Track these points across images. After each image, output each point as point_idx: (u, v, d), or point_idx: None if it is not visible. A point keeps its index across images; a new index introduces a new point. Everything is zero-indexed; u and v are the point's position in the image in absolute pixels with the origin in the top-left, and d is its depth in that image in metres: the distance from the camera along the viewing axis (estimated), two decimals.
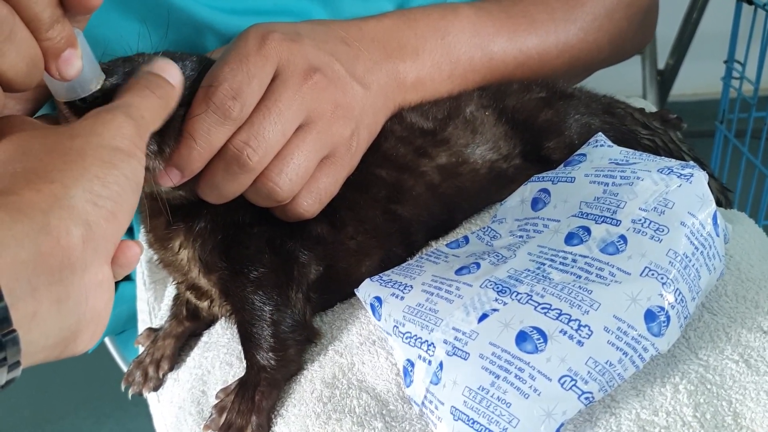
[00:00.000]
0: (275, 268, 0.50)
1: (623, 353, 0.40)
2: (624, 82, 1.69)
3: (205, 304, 0.56)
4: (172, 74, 0.42)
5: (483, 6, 0.64)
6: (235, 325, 0.52)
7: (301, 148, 0.49)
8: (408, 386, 0.45)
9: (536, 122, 0.58)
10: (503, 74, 0.63)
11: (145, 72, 0.41)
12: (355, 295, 0.51)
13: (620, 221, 0.44)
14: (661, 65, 1.91)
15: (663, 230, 0.43)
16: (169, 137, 0.45)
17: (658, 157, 0.49)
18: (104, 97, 0.41)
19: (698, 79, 1.86)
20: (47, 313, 0.30)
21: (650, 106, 0.75)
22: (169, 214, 0.50)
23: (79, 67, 0.37)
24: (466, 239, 0.53)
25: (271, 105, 0.47)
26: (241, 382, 0.50)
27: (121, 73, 0.43)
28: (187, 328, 0.60)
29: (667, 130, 0.64)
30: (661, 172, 0.46)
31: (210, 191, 0.48)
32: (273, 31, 0.49)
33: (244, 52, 0.47)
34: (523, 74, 0.64)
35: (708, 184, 0.64)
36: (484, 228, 0.53)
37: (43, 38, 0.34)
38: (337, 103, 0.50)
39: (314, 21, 0.55)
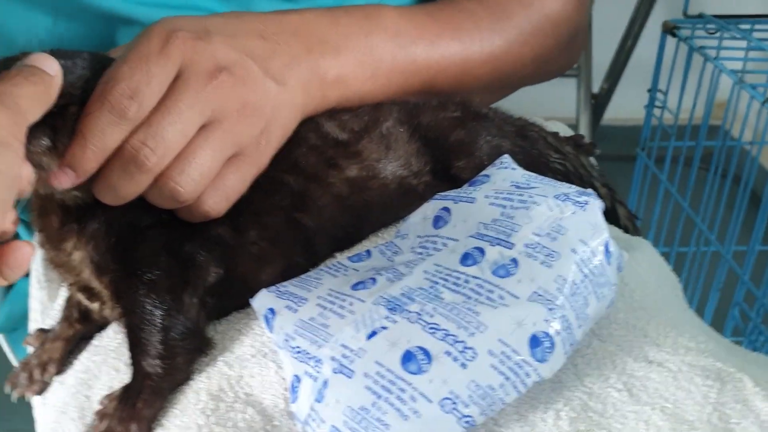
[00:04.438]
0: (170, 271, 0.49)
1: (505, 378, 0.40)
2: (558, 104, 1.73)
3: (95, 306, 0.54)
4: (48, 65, 0.41)
5: (408, 9, 0.63)
6: (125, 330, 0.50)
7: (204, 148, 0.47)
8: (293, 402, 0.44)
9: (448, 141, 0.58)
10: (425, 78, 0.63)
11: (19, 65, 0.40)
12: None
13: (514, 244, 0.44)
14: (595, 89, 1.96)
15: (553, 256, 0.43)
16: (62, 134, 0.43)
17: (558, 183, 0.49)
18: None
19: (631, 104, 1.91)
20: None
21: (566, 130, 0.76)
22: (61, 215, 0.48)
23: None
24: (369, 253, 0.53)
25: (170, 104, 0.46)
26: (125, 389, 0.48)
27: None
28: (77, 331, 0.58)
29: (578, 155, 0.65)
30: (557, 198, 0.46)
31: (107, 192, 0.46)
32: (178, 29, 0.47)
33: (146, 50, 0.46)
34: (446, 80, 0.64)
35: (617, 210, 0.66)
36: (387, 243, 0.53)
37: None
38: (245, 102, 0.49)
39: (229, 14, 0.54)
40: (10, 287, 0.76)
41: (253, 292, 0.50)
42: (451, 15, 0.65)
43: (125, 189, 0.46)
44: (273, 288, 0.49)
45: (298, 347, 0.44)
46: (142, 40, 0.47)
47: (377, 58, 0.59)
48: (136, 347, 0.48)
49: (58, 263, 0.52)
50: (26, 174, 0.38)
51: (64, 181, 0.44)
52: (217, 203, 0.49)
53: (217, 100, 0.47)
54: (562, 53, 0.74)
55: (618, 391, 0.43)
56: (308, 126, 0.56)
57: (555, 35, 0.71)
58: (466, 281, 0.44)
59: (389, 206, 0.57)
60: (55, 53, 0.43)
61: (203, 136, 0.47)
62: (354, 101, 0.59)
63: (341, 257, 0.54)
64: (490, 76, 0.67)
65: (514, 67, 0.68)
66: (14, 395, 0.58)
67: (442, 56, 0.63)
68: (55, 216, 0.50)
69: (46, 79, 0.40)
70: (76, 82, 0.44)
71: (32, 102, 0.38)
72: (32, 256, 0.35)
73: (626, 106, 2.04)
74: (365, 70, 0.59)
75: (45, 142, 0.43)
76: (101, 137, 0.44)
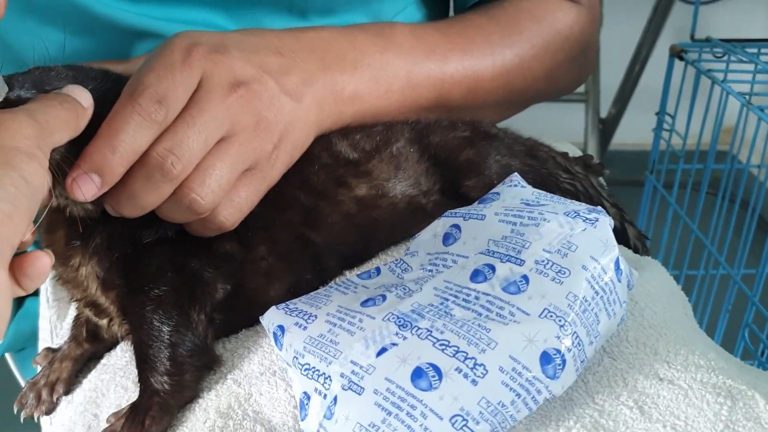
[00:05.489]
0: (177, 287, 0.49)
1: (516, 394, 0.40)
2: (566, 129, 1.74)
3: (104, 322, 0.54)
4: (84, 97, 0.41)
5: (419, 26, 0.64)
6: (132, 346, 0.50)
7: (224, 160, 0.47)
8: (303, 420, 0.44)
9: (457, 161, 0.58)
10: (439, 93, 0.63)
11: (57, 92, 0.41)
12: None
13: (524, 261, 0.44)
14: (603, 114, 1.96)
15: (564, 273, 0.43)
16: (80, 144, 0.43)
17: (568, 200, 0.49)
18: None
19: (638, 129, 1.92)
20: None
21: (575, 150, 0.76)
22: (67, 231, 0.48)
23: None
24: (378, 270, 0.53)
25: (195, 114, 0.46)
26: (133, 406, 0.48)
27: (28, 87, 0.42)
28: (86, 351, 0.58)
29: (588, 176, 0.65)
30: (567, 215, 0.46)
31: (127, 201, 0.46)
32: (198, 43, 0.48)
33: (170, 61, 0.46)
34: (459, 94, 0.65)
35: (627, 230, 0.66)
36: (396, 260, 0.53)
37: None
38: (260, 117, 0.49)
39: (247, 30, 0.55)
40: (19, 306, 0.76)
41: (261, 309, 0.50)
42: (462, 30, 0.65)
43: (147, 198, 0.45)
44: (282, 305, 0.49)
45: (307, 364, 0.44)
46: (165, 51, 0.47)
47: (392, 74, 0.60)
48: (144, 364, 0.48)
49: (66, 279, 0.52)
50: (49, 181, 0.39)
51: (89, 188, 0.43)
52: (232, 215, 0.49)
53: (237, 114, 0.48)
54: (573, 68, 0.75)
55: (629, 408, 0.43)
56: (321, 144, 0.57)
57: (566, 50, 0.71)
58: (477, 298, 0.44)
59: (398, 225, 0.57)
60: (70, 68, 0.43)
61: (222, 148, 0.47)
62: (369, 117, 0.60)
63: (350, 274, 0.54)
64: (503, 90, 0.67)
65: (526, 81, 0.69)
66: (22, 415, 0.58)
67: (455, 71, 0.64)
68: (61, 232, 0.50)
69: (79, 110, 0.40)
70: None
71: (61, 126, 0.38)
72: (50, 266, 0.36)
73: (634, 131, 2.05)
74: (380, 86, 0.59)
75: (63, 150, 0.43)
76: (130, 140, 0.43)
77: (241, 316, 0.53)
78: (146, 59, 0.47)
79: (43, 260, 0.35)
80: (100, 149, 0.43)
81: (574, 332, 0.41)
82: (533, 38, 0.68)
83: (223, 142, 0.48)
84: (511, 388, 0.40)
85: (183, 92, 0.46)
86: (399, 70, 0.60)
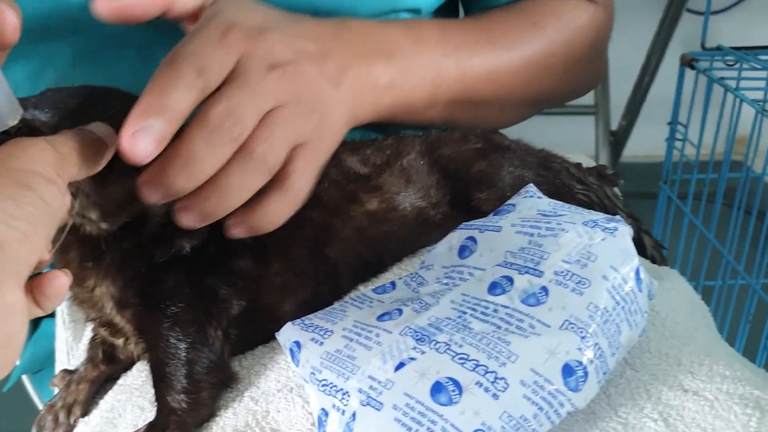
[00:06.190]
0: (194, 304, 0.49)
1: (539, 408, 0.39)
2: (577, 142, 1.73)
3: (120, 342, 0.54)
4: (108, 137, 0.41)
5: (445, 22, 0.65)
6: (149, 365, 0.50)
7: (279, 125, 0.46)
8: None
9: (469, 172, 0.58)
10: (465, 87, 0.64)
11: (82, 127, 0.40)
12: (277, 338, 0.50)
13: (543, 272, 0.44)
14: (614, 126, 1.96)
15: (584, 283, 0.42)
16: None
17: (585, 210, 0.49)
18: (28, 130, 0.40)
19: (649, 141, 1.91)
20: None
21: (588, 161, 0.76)
22: (81, 251, 0.48)
23: None
24: (393, 285, 0.52)
25: (241, 85, 0.45)
26: (150, 426, 0.47)
27: (42, 107, 0.42)
28: (102, 372, 0.57)
29: (602, 186, 0.65)
30: (585, 225, 0.45)
31: (183, 169, 0.42)
32: (236, 23, 0.47)
33: (207, 38, 0.45)
34: (485, 88, 0.65)
35: (643, 240, 0.65)
36: (411, 274, 0.52)
37: None
38: (300, 96, 0.48)
39: (287, 15, 0.53)
40: (35, 328, 0.76)
41: (276, 324, 0.49)
42: (486, 26, 0.66)
43: (207, 161, 0.42)
44: (298, 321, 0.49)
45: (324, 380, 0.44)
46: (202, 30, 0.46)
47: (423, 67, 0.60)
48: (161, 382, 0.48)
49: (81, 299, 0.52)
50: (67, 202, 0.38)
51: (147, 144, 0.40)
52: (306, 182, 0.48)
53: (277, 90, 0.47)
54: (591, 66, 0.75)
55: (654, 420, 0.42)
56: (330, 161, 0.57)
57: (585, 47, 0.71)
58: (495, 311, 0.43)
59: (408, 236, 0.57)
60: (82, 88, 0.44)
61: (272, 116, 0.46)
62: (402, 109, 0.59)
63: (365, 289, 0.54)
64: (525, 85, 0.68)
65: (547, 77, 0.69)
66: None
67: (480, 64, 0.64)
68: (74, 252, 0.50)
69: (102, 148, 0.40)
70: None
71: (81, 161, 0.38)
72: (68, 285, 0.35)
73: (645, 143, 2.04)
74: (412, 78, 0.59)
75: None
76: (176, 101, 0.41)
77: (256, 332, 0.53)
78: (183, 39, 0.46)
79: (61, 280, 0.35)
80: (152, 103, 0.41)
81: (596, 344, 0.41)
82: (554, 34, 0.68)
83: (273, 112, 0.46)
84: (533, 402, 0.39)
85: (219, 68, 0.44)
86: (431, 63, 0.60)
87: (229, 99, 0.44)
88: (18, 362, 0.74)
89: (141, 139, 0.40)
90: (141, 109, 0.41)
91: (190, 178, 0.42)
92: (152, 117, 0.40)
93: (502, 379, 0.39)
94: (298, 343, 0.47)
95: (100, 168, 0.41)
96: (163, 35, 0.54)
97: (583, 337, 0.40)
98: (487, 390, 0.39)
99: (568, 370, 0.40)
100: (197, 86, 0.43)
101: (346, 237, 0.54)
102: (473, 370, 0.40)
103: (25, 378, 0.80)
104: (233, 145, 0.44)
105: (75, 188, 0.43)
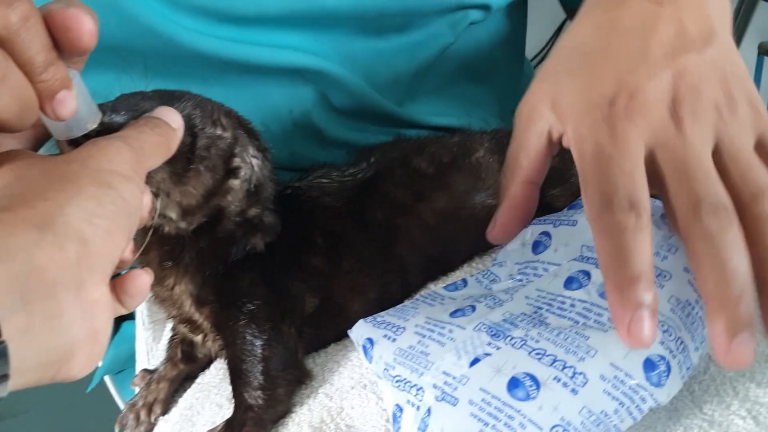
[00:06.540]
0: (269, 301, 0.50)
1: (619, 403, 0.38)
2: None
3: (199, 338, 0.55)
4: (173, 119, 0.42)
5: None
6: (226, 362, 0.51)
7: (749, 159, 0.40)
8: None
9: None
10: None
11: (147, 115, 0.42)
12: (349, 336, 0.50)
13: None
14: None
15: (665, 276, 0.41)
16: (180, 161, 0.45)
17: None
18: (105, 133, 0.41)
19: None
20: (40, 328, 0.29)
21: None
22: (160, 252, 0.49)
23: (73, 107, 0.38)
24: (465, 282, 0.52)
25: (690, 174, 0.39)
26: (228, 422, 0.48)
27: (118, 110, 0.43)
28: (181, 371, 0.59)
29: None
30: (664, 217, 0.44)
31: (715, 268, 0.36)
32: (615, 100, 0.40)
33: (596, 149, 0.40)
34: None
35: None
36: (483, 271, 0.52)
37: (37, 81, 0.34)
38: (715, 101, 0.41)
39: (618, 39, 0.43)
40: (116, 330, 0.78)
41: (348, 322, 0.50)
42: None
43: (724, 252, 0.37)
44: (370, 318, 0.49)
45: (398, 376, 0.44)
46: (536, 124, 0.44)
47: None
48: (238, 379, 0.49)
49: (162, 298, 0.54)
50: (146, 202, 0.40)
51: (649, 333, 0.36)
52: None
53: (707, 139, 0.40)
54: None
55: (742, 418, 0.40)
56: (398, 161, 0.57)
57: None
58: (572, 305, 0.42)
59: (478, 234, 0.56)
60: (155, 92, 0.45)
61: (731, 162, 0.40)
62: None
63: (436, 287, 0.54)
64: None
65: None
66: None
67: None
68: (154, 252, 0.51)
69: (170, 132, 0.41)
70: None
71: (155, 149, 0.39)
72: (150, 284, 0.36)
73: None
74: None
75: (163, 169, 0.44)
76: (639, 259, 0.37)
77: (328, 330, 0.53)
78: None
79: (143, 278, 0.36)
80: (624, 289, 0.36)
81: (678, 337, 0.39)
82: None
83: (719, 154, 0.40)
84: (613, 397, 0.38)
85: (640, 180, 0.39)
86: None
87: (690, 193, 0.39)
88: (101, 363, 0.77)
89: (636, 331, 0.36)
90: (616, 301, 0.36)
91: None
92: (629, 306, 0.36)
93: (581, 374, 0.38)
94: (370, 340, 0.47)
95: (171, 153, 0.41)
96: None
97: (665, 331, 0.39)
98: (565, 385, 0.38)
99: (649, 365, 0.38)
100: (640, 226, 0.38)
101: (415, 236, 0.54)
102: (551, 365, 0.39)
103: (107, 378, 0.82)
104: (731, 221, 0.38)
105: (156, 187, 0.44)
